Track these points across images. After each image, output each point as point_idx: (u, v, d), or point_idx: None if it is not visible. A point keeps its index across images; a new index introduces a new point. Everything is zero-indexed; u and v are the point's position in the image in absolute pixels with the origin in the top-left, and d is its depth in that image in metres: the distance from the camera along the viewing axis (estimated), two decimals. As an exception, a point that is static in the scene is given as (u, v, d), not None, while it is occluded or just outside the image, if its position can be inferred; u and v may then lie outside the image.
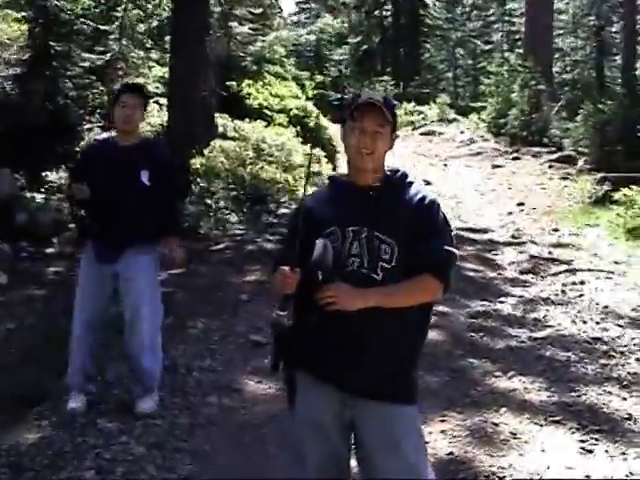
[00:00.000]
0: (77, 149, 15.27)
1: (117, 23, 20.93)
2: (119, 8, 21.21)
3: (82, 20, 18.65)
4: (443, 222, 3.85)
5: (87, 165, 6.54)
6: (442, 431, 6.34)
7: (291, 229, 3.94)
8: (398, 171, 3.95)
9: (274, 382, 7.18)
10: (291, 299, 3.66)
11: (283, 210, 15.55)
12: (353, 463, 4.03)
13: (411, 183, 3.90)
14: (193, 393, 7.16)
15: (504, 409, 6.79)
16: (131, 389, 6.80)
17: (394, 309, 3.68)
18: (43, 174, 14.84)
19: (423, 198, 3.81)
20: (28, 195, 13.61)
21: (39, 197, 13.76)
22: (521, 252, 13.15)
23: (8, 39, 18.84)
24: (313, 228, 3.73)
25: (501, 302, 10.35)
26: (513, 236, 14.79)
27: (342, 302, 3.58)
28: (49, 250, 12.13)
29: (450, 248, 3.78)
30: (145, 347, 6.55)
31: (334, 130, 23.61)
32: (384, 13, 50.56)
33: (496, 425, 6.46)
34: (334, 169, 20.01)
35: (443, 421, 6.53)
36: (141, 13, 22.28)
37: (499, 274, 11.98)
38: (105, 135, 6.89)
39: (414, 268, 3.70)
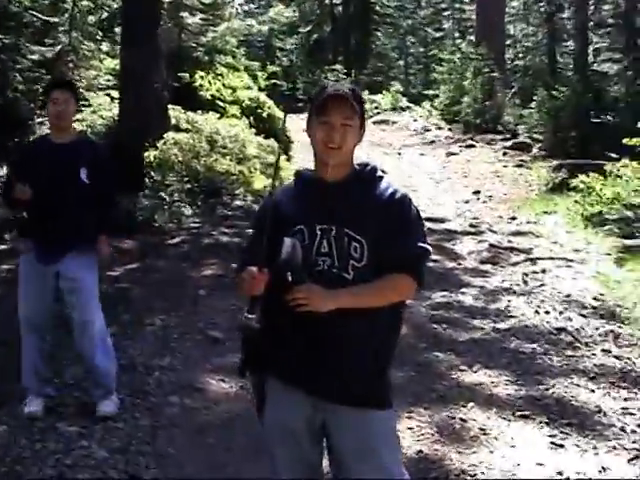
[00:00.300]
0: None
1: (67, 15, 20.62)
2: (68, 0, 20.90)
3: (31, 12, 18.38)
4: (415, 218, 3.72)
5: (24, 164, 6.40)
6: (409, 428, 6.24)
7: (257, 227, 3.79)
8: (367, 165, 3.80)
9: (235, 381, 7.08)
10: (259, 301, 3.52)
11: (238, 202, 15.45)
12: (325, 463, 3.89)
13: (381, 178, 3.76)
14: (154, 393, 7.00)
15: (471, 404, 6.72)
16: (90, 391, 6.64)
17: (364, 309, 3.55)
18: (-6, 168, 14.59)
19: (394, 193, 3.68)
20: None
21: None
22: (480, 241, 13.12)
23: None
24: (280, 226, 3.58)
25: (462, 293, 10.29)
26: (471, 225, 14.78)
27: (313, 303, 3.44)
28: (0, 247, 11.89)
29: (423, 245, 3.66)
30: (97, 347, 6.43)
31: (288, 121, 23.51)
32: (334, 1, 50.39)
33: (464, 421, 6.38)
34: (288, 159, 19.90)
35: (410, 418, 6.44)
36: (91, 5, 21.96)
37: (459, 264, 11.93)
38: (40, 134, 6.78)
39: (386, 266, 3.57)
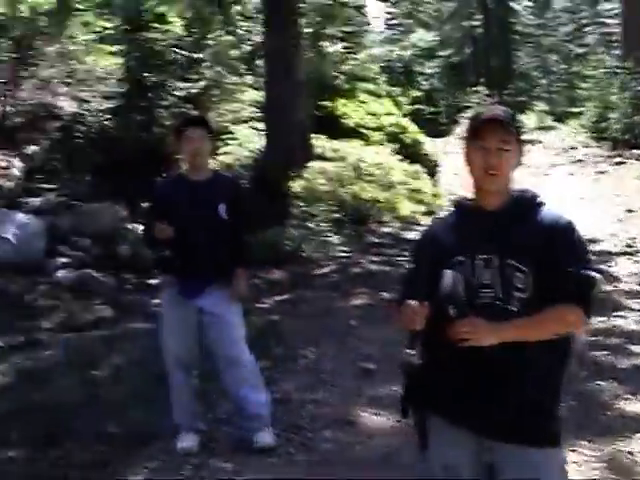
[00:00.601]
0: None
1: (210, 50, 20.92)
2: (211, 35, 21.21)
3: (175, 50, 18.72)
4: (581, 244, 3.50)
5: (162, 203, 6.39)
6: (574, 462, 5.94)
7: (416, 259, 3.64)
8: (526, 191, 3.61)
9: (390, 414, 6.90)
10: (419, 336, 3.35)
11: (385, 229, 15.33)
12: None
13: (542, 204, 3.56)
14: (308, 428, 6.88)
15: (638, 435, 6.38)
16: (244, 426, 6.54)
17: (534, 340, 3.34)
18: (143, 205, 14.82)
19: (557, 220, 3.48)
20: (129, 226, 13.58)
21: (140, 228, 13.74)
22: (637, 262, 12.63)
23: (104, 73, 19.03)
24: (439, 257, 3.43)
25: (621, 317, 9.89)
26: (627, 245, 14.25)
27: (476, 338, 3.26)
28: (152, 281, 12.03)
29: (590, 272, 3.42)
30: (246, 381, 6.35)
31: (431, 145, 23.36)
32: (474, 23, 50.00)
33: (631, 454, 6.05)
34: (434, 185, 19.71)
35: (574, 451, 6.13)
36: (233, 39, 22.25)
37: (615, 287, 11.48)
38: (173, 173, 6.77)
39: (552, 296, 3.36)
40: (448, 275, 3.34)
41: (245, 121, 20.05)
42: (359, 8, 32.38)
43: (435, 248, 3.48)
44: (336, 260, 13.32)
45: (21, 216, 13.30)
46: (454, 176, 17.21)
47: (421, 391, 3.47)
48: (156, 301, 11.14)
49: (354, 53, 26.90)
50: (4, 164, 16.25)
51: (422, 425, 3.61)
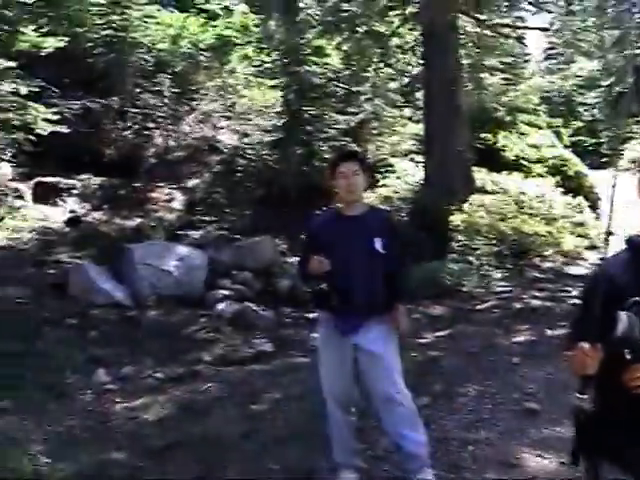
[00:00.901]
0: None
1: (368, 83, 20.99)
2: (369, 68, 21.29)
3: (334, 83, 18.85)
4: None
5: (317, 239, 6.32)
6: None
7: (587, 298, 3.44)
8: None
9: (555, 456, 6.63)
10: (592, 380, 3.17)
11: (548, 264, 14.98)
12: None
13: None
14: (469, 469, 6.66)
15: None
16: (403, 465, 6.39)
17: None
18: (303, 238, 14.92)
19: None
20: (289, 260, 13.64)
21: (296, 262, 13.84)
22: None
23: (263, 106, 19.31)
24: (613, 298, 3.23)
25: None
26: None
27: (654, 383, 3.06)
28: (312, 315, 12.03)
29: None
30: (407, 420, 6.17)
31: (593, 177, 22.83)
32: (638, 51, 48.86)
33: None
34: (597, 219, 19.23)
35: None
36: (392, 71, 22.29)
37: None
38: (329, 207, 6.68)
39: None
40: (623, 317, 3.16)
41: (405, 154, 20.02)
42: (519, 39, 32.05)
43: (608, 288, 3.29)
44: (497, 295, 13.07)
45: (182, 249, 13.56)
46: (622, 210, 16.67)
47: (593, 438, 3.29)
48: (315, 335, 11.16)
49: (514, 84, 26.63)
50: (166, 197, 16.63)
51: (594, 473, 3.43)
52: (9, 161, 15.70)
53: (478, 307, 12.34)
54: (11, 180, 15.78)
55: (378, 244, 6.10)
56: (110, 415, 8.77)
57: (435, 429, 7.14)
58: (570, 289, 13.10)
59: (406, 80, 23.90)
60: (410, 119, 22.42)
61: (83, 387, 9.63)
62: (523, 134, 23.90)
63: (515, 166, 21.31)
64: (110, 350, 10.87)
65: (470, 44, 22.39)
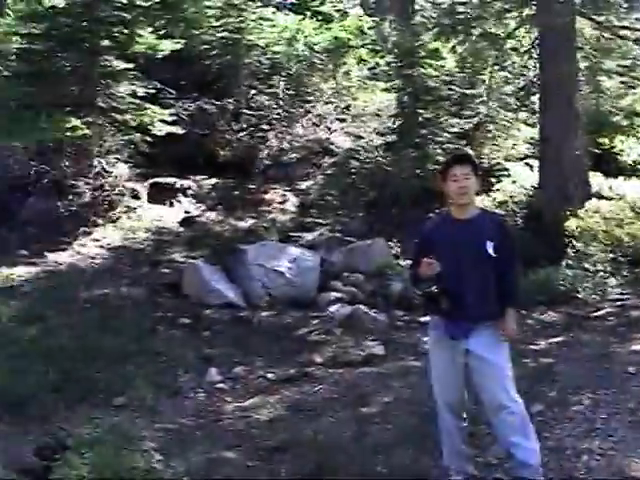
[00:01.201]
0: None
1: (483, 86, 20.79)
2: (485, 71, 21.08)
3: (448, 86, 18.73)
4: None
5: (429, 243, 6.30)
6: None
7: None
8: None
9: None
10: None
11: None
12: None
13: None
14: (583, 479, 6.54)
15: None
16: (514, 473, 6.29)
17: None
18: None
19: None
20: (402, 263, 13.59)
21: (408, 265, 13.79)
22: None
23: (377, 109, 19.32)
24: None
25: None
26: None
27: None
28: (423, 319, 11.96)
29: None
30: (518, 428, 6.10)
31: None
32: None
33: None
34: None
35: None
36: (507, 75, 22.01)
37: None
38: (441, 211, 6.62)
39: None
40: None
41: (520, 158, 19.76)
42: (638, 41, 31.35)
43: None
44: (612, 302, 12.79)
45: (295, 250, 13.65)
46: None
47: None
48: (426, 339, 11.10)
49: (632, 87, 26.06)
50: (280, 199, 16.74)
51: None
52: (126, 162, 15.98)
53: (593, 314, 12.10)
54: (127, 180, 16.04)
55: (490, 247, 6.07)
56: (221, 414, 8.89)
57: (548, 437, 7.05)
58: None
59: (522, 83, 23.60)
60: (525, 122, 22.13)
61: (195, 386, 9.78)
62: (642, 139, 23.37)
63: (632, 171, 20.85)
64: (222, 350, 11.01)
65: (588, 46, 22.01)
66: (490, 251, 6.06)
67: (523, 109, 22.40)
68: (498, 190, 17.28)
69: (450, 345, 6.15)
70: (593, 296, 13.03)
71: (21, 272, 13.06)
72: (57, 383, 9.30)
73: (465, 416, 6.41)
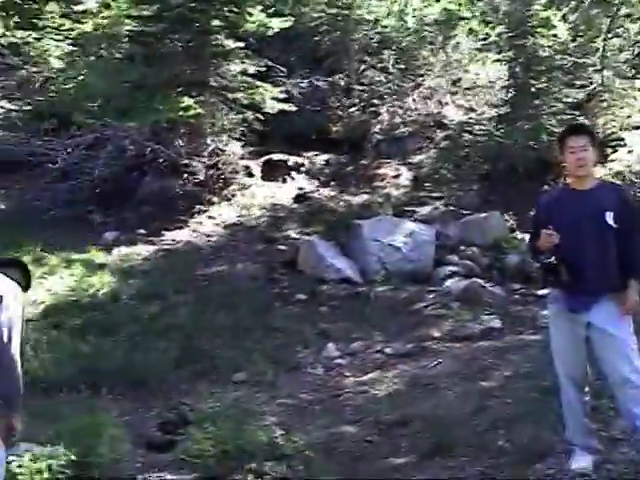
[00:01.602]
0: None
1: (597, 55, 20.37)
2: (598, 39, 20.65)
3: (561, 55, 18.39)
4: None
5: (547, 215, 6.18)
6: None
7: None
8: None
9: None
10: None
11: None
12: None
13: None
14: None
15: None
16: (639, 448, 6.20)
17: None
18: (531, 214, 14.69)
19: None
20: (519, 236, 13.46)
21: (526, 238, 13.64)
22: None
23: (489, 81, 19.09)
24: None
25: None
26: None
27: None
28: (541, 292, 11.83)
29: None
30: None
31: None
32: None
33: None
34: None
35: None
36: (621, 42, 21.52)
37: None
38: (559, 183, 6.49)
39: None
40: None
41: (636, 127, 19.34)
42: None
43: None
44: None
45: (410, 224, 13.62)
46: None
47: None
48: (545, 312, 10.99)
49: None
50: (393, 173, 16.69)
51: None
52: (239, 139, 16.10)
53: None
54: (241, 158, 16.19)
55: (610, 218, 5.92)
56: (340, 389, 8.97)
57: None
58: None
59: (637, 50, 23.06)
60: (641, 90, 21.64)
61: (313, 361, 9.89)
62: None
63: None
64: (339, 325, 11.09)
65: None
66: (610, 221, 5.92)
67: (638, 77, 21.92)
68: (614, 160, 16.94)
69: (570, 318, 6.04)
70: None
71: (140, 251, 13.36)
72: (177, 360, 9.53)
73: (587, 390, 6.33)
